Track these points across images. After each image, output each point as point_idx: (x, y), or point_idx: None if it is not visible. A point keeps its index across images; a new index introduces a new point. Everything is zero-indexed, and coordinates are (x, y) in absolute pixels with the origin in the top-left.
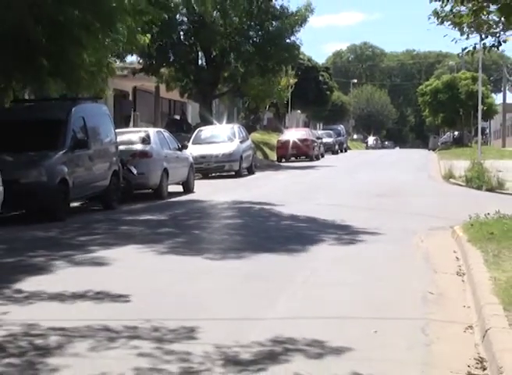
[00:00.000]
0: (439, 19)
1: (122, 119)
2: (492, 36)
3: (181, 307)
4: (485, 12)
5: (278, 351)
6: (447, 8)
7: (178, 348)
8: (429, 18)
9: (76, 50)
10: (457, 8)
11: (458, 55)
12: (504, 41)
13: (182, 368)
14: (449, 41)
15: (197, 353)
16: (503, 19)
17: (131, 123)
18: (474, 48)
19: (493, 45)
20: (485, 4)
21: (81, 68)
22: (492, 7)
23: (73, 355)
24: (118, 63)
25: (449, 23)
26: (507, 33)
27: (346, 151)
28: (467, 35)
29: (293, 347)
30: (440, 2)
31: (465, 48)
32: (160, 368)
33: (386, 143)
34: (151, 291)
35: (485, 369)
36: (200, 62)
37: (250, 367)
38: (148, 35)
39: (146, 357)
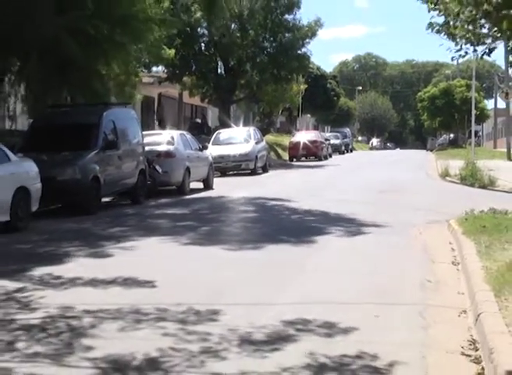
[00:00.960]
0: (435, 30)
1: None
2: (483, 45)
3: (202, 292)
4: (477, 24)
5: (290, 332)
6: (442, 18)
7: (199, 329)
8: (428, 28)
9: (105, 61)
10: (452, 20)
11: (452, 58)
12: (492, 49)
13: (202, 347)
14: (445, 51)
15: (216, 334)
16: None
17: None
18: (466, 52)
19: (484, 53)
20: (477, 16)
21: (110, 77)
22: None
23: (104, 335)
24: (145, 72)
25: (444, 33)
26: (497, 42)
27: (351, 151)
28: (461, 46)
29: (304, 328)
30: (437, 12)
31: (456, 57)
32: (182, 347)
33: (388, 144)
34: (175, 277)
35: (477, 349)
36: (219, 70)
37: (265, 347)
38: (173, 50)
39: (170, 337)
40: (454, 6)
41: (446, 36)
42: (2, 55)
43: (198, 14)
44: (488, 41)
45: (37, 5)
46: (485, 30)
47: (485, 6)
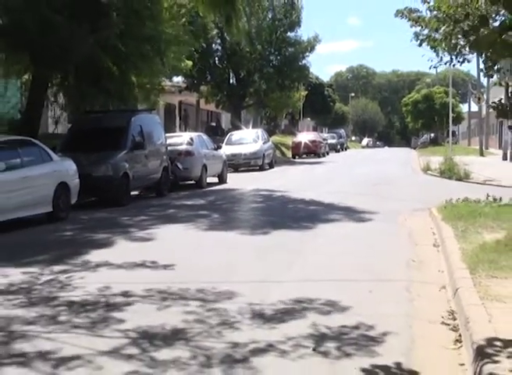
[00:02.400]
0: (419, 41)
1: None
2: (458, 56)
3: (218, 273)
4: (454, 37)
5: (294, 306)
6: (425, 32)
7: (216, 305)
8: (411, 40)
9: (133, 73)
10: (433, 34)
11: (430, 67)
12: (465, 60)
13: (220, 320)
14: (426, 62)
15: (231, 309)
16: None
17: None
18: (446, 63)
19: (459, 61)
20: (455, 30)
21: (137, 87)
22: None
23: (135, 310)
24: (167, 82)
25: (426, 44)
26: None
27: (346, 149)
28: (441, 57)
29: (307, 302)
30: (420, 27)
31: (435, 65)
32: (203, 320)
33: (378, 143)
34: (194, 260)
35: (455, 319)
36: (231, 80)
37: (273, 320)
38: (190, 62)
39: (192, 313)
40: (432, 23)
41: (428, 47)
42: (46, 71)
43: (214, 32)
44: (464, 51)
45: (75, 26)
46: (461, 42)
47: (463, 25)
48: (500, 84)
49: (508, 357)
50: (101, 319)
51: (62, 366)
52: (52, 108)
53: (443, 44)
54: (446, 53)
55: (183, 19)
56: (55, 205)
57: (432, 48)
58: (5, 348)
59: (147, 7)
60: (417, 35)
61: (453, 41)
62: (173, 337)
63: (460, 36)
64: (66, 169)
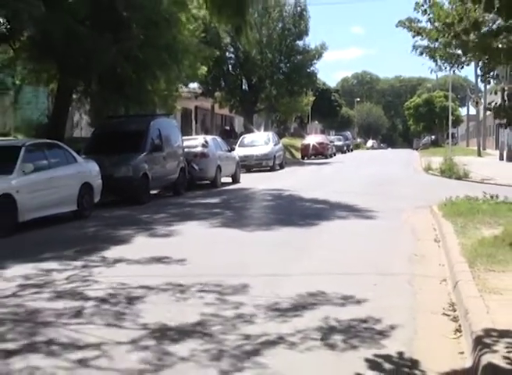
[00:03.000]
0: (418, 52)
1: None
2: (457, 63)
3: (232, 267)
4: (452, 48)
5: (304, 300)
6: (424, 42)
7: (231, 297)
8: (412, 50)
9: (152, 81)
10: (432, 44)
11: (431, 71)
12: (462, 66)
13: (234, 313)
14: (427, 69)
15: (245, 301)
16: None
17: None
18: (444, 68)
19: (457, 67)
20: (452, 41)
21: (155, 94)
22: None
23: (154, 303)
24: (184, 89)
25: (426, 54)
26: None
27: (351, 151)
28: (439, 66)
29: (316, 296)
30: (420, 37)
31: (435, 71)
32: (218, 313)
33: (382, 145)
34: (209, 255)
35: (455, 310)
36: (243, 87)
37: (283, 313)
38: (205, 67)
39: (209, 305)
40: (433, 34)
41: (427, 57)
42: (71, 79)
43: (227, 40)
44: (462, 59)
45: (98, 37)
46: (459, 51)
47: (463, 37)
48: (495, 93)
49: (505, 347)
50: (122, 312)
51: (83, 355)
52: (77, 114)
53: (442, 53)
54: (444, 62)
55: (199, 30)
56: (79, 204)
57: (431, 57)
58: (32, 337)
59: (165, 19)
60: (415, 47)
61: (451, 51)
62: (189, 329)
63: (458, 45)
64: (90, 170)
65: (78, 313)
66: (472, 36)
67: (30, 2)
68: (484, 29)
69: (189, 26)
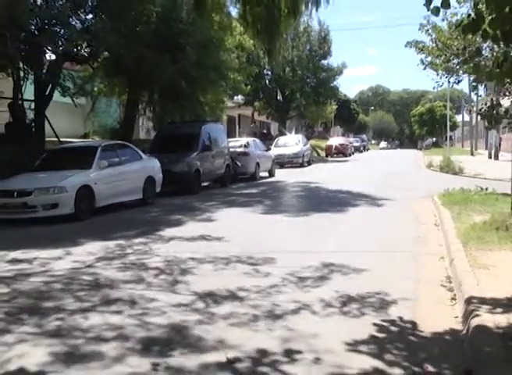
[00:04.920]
0: (424, 66)
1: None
2: (455, 76)
3: (267, 245)
4: (451, 63)
5: (327, 273)
6: (428, 58)
7: (264, 270)
8: (418, 64)
9: (203, 93)
10: (434, 60)
11: (433, 87)
12: (460, 81)
13: (267, 283)
14: (429, 82)
15: (276, 273)
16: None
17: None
18: (443, 83)
19: (455, 82)
20: (451, 58)
21: (205, 104)
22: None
23: (202, 273)
24: (229, 100)
25: (429, 67)
26: (464, 75)
27: (367, 150)
28: (440, 77)
29: (337, 270)
30: (424, 55)
31: (437, 86)
32: (254, 283)
33: (396, 142)
34: (248, 235)
35: (451, 282)
36: (278, 98)
37: (309, 284)
38: (248, 86)
39: (246, 276)
40: (434, 52)
41: (431, 70)
42: (138, 92)
43: (265, 60)
44: (459, 73)
45: (160, 58)
46: (457, 67)
47: (462, 57)
48: (486, 103)
49: (491, 311)
50: (175, 280)
51: (145, 315)
52: (142, 120)
53: (442, 67)
54: (444, 74)
55: (242, 52)
56: (144, 193)
57: (434, 70)
58: (104, 299)
59: (213, 42)
60: (422, 62)
61: (450, 65)
62: (229, 295)
63: (454, 61)
64: (153, 166)
65: (141, 281)
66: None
67: (106, 31)
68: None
69: (233, 48)
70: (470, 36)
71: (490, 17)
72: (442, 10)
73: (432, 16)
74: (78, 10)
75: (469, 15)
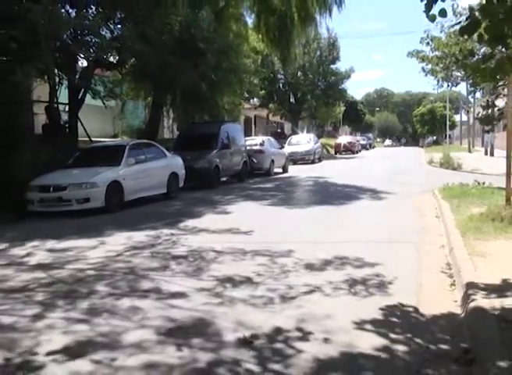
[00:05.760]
0: (425, 73)
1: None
2: (452, 81)
3: (281, 234)
4: (450, 70)
5: (334, 260)
6: (429, 66)
7: (279, 258)
8: (419, 72)
9: (221, 96)
10: (434, 67)
11: (433, 88)
12: (458, 83)
13: (280, 270)
14: (430, 86)
15: (289, 260)
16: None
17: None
18: (442, 85)
19: (453, 85)
20: (450, 65)
21: (224, 106)
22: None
23: (221, 262)
24: (245, 102)
25: (430, 74)
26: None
27: (373, 148)
28: (440, 84)
29: (343, 257)
30: (425, 63)
31: (436, 88)
32: (269, 269)
33: (402, 140)
34: (263, 227)
35: (451, 269)
36: (291, 100)
37: (318, 269)
38: (263, 91)
39: (262, 263)
40: (434, 60)
41: (431, 76)
42: (162, 95)
43: (278, 65)
44: (458, 79)
45: (182, 63)
46: (455, 73)
47: (457, 56)
48: (482, 106)
49: (487, 295)
50: (198, 268)
51: (171, 298)
52: (166, 120)
53: (442, 74)
54: (443, 80)
55: (257, 58)
56: (168, 188)
57: (434, 77)
58: (132, 285)
59: (231, 49)
60: (423, 69)
61: (449, 73)
62: (246, 280)
63: (453, 68)
64: (176, 163)
65: (166, 268)
66: (469, 61)
67: (133, 39)
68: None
69: (249, 53)
70: (466, 37)
71: (484, 24)
72: (440, 22)
73: (431, 30)
74: (108, 21)
75: (467, 18)
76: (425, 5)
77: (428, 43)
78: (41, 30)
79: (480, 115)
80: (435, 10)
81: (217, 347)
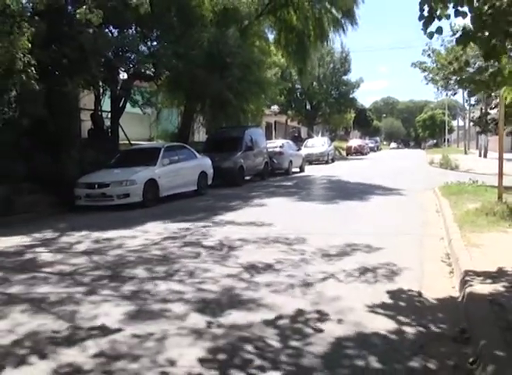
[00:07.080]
0: (426, 82)
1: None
2: (450, 90)
3: (299, 227)
4: (448, 80)
5: (347, 250)
6: (430, 75)
7: (297, 247)
8: (421, 81)
9: (245, 104)
10: (435, 77)
11: (434, 98)
12: (455, 94)
13: (300, 257)
14: (431, 94)
15: (307, 250)
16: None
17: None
18: (441, 93)
19: (452, 94)
20: (449, 76)
21: (248, 113)
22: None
23: (246, 250)
24: (267, 109)
25: (431, 83)
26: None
27: (380, 150)
28: (440, 90)
29: (355, 248)
30: (427, 73)
31: (436, 97)
32: (289, 258)
33: (408, 143)
34: (284, 220)
35: (449, 259)
36: (307, 107)
37: (333, 258)
38: (282, 97)
39: (283, 252)
40: (434, 70)
41: (432, 85)
42: (192, 103)
43: (296, 77)
44: (455, 88)
45: (210, 75)
46: (452, 82)
47: (454, 66)
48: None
49: (481, 282)
50: (225, 256)
51: (201, 283)
52: (197, 126)
53: (442, 83)
54: (443, 88)
55: (278, 70)
56: (198, 186)
57: (435, 86)
58: (169, 270)
59: (254, 62)
60: (425, 78)
61: (448, 82)
62: (269, 267)
63: (452, 78)
64: (205, 163)
65: (197, 255)
66: (465, 72)
67: (167, 55)
68: (471, 68)
69: (271, 66)
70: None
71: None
72: (440, 38)
73: (433, 43)
74: (145, 39)
75: (463, 29)
76: (423, 23)
77: (429, 55)
78: (88, 48)
79: (475, 118)
80: (432, 27)
81: (244, 325)
